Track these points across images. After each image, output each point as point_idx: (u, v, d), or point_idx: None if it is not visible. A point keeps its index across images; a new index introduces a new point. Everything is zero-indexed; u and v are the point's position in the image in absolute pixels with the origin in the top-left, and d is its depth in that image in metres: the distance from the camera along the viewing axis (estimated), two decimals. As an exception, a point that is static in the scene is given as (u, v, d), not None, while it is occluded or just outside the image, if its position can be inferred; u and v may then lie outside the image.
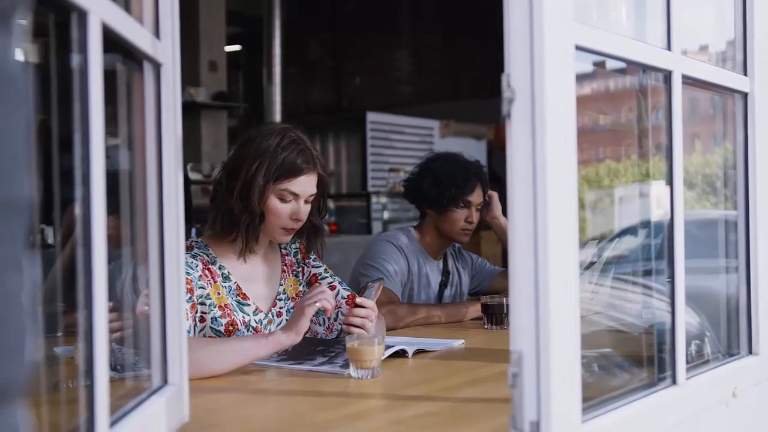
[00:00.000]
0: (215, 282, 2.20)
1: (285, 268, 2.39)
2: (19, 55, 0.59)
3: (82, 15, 1.00)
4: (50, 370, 1.46)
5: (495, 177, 3.31)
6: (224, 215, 2.21)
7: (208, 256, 2.22)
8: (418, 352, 2.18)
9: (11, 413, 0.57)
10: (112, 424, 1.09)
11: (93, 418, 1.01)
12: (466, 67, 9.54)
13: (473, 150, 7.16)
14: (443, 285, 3.14)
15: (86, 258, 1.01)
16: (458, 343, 2.35)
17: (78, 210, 1.02)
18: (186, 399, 1.43)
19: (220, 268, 2.23)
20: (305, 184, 2.21)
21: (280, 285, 2.36)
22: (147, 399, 1.29)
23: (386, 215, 7.69)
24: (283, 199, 2.20)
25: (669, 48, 1.52)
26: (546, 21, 1.16)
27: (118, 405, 1.19)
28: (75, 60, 1.03)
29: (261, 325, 2.26)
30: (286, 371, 1.99)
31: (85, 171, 1.01)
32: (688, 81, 1.58)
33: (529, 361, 1.17)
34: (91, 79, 1.01)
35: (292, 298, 2.36)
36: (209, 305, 2.16)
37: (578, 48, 1.25)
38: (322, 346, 2.14)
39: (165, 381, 1.37)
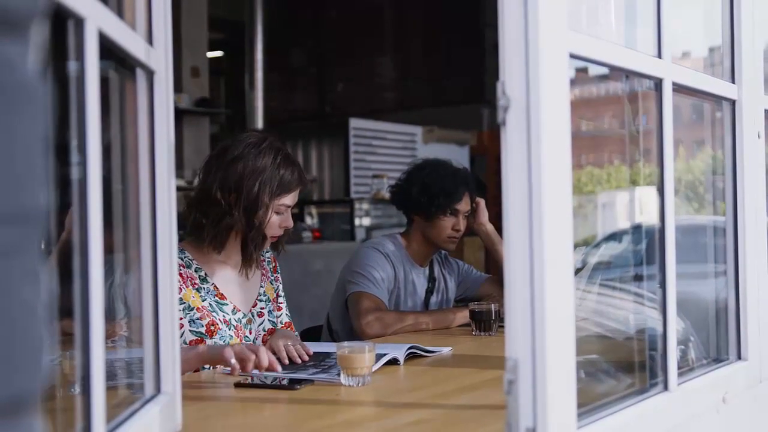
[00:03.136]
0: (188, 287, 2.24)
1: (264, 271, 2.47)
2: (35, 65, 0.58)
3: (79, 22, 0.99)
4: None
5: (479, 183, 3.32)
6: (225, 231, 2.26)
7: (182, 259, 2.25)
8: (411, 356, 2.19)
9: (29, 423, 0.57)
10: (108, 433, 1.08)
11: (90, 428, 1.00)
12: (449, 73, 9.58)
13: (456, 156, 7.17)
14: (429, 292, 3.14)
15: (83, 266, 1.00)
16: (447, 350, 2.35)
17: (75, 217, 1.01)
18: (179, 408, 1.42)
19: (196, 271, 2.28)
20: (296, 196, 2.34)
21: (261, 287, 2.43)
22: (141, 408, 1.28)
23: (369, 221, 7.68)
24: (278, 213, 2.30)
25: (659, 56, 1.53)
26: (541, 29, 1.16)
27: (112, 414, 1.18)
28: (71, 67, 1.02)
29: (240, 323, 2.32)
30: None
31: (82, 177, 1.00)
32: (678, 88, 1.60)
33: (524, 368, 1.17)
34: (87, 85, 1.01)
35: (272, 300, 2.45)
36: (184, 309, 2.19)
37: (572, 56, 1.25)
38: (313, 360, 2.13)
39: (158, 390, 1.37)
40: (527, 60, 1.16)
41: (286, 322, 2.46)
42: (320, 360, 2.14)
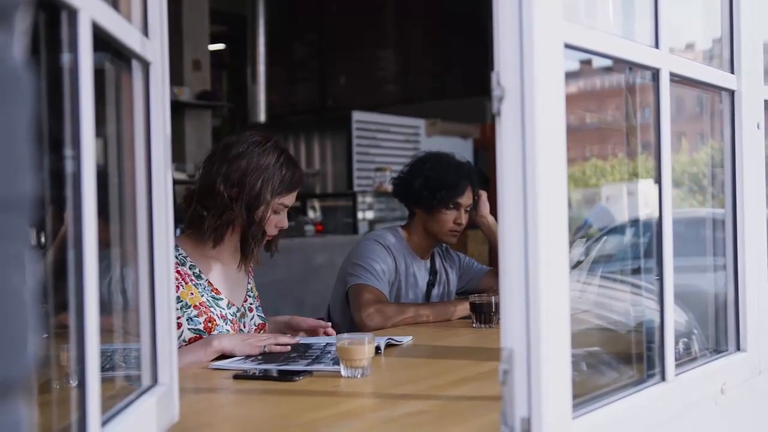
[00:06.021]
0: (187, 283, 2.26)
1: (250, 270, 2.51)
2: (20, 54, 0.59)
3: (72, 13, 0.99)
4: (37, 371, 1.45)
5: (481, 176, 3.30)
6: (225, 225, 2.29)
7: (177, 257, 2.26)
8: (389, 346, 2.25)
9: (14, 409, 0.57)
10: (103, 423, 1.09)
11: (85, 418, 1.00)
12: (451, 66, 9.57)
13: (460, 149, 7.16)
14: (431, 284, 3.14)
15: (77, 258, 1.00)
16: (408, 339, 2.38)
17: (68, 210, 1.01)
18: (176, 399, 1.42)
19: (190, 268, 2.30)
20: (294, 197, 2.38)
21: (249, 283, 2.48)
22: (137, 399, 1.29)
23: (372, 215, 7.68)
24: (276, 212, 2.33)
25: (657, 46, 1.53)
26: (535, 19, 1.16)
27: (108, 405, 1.18)
28: (64, 58, 1.02)
29: (235, 317, 2.35)
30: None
31: (76, 171, 1.00)
32: (676, 79, 1.59)
33: (519, 358, 1.17)
34: (81, 77, 1.01)
35: (257, 297, 2.50)
36: (181, 307, 2.20)
37: (567, 46, 1.25)
38: (295, 353, 2.13)
39: (155, 381, 1.37)
40: (521, 50, 1.16)
41: (259, 324, 2.47)
42: (304, 351, 2.14)
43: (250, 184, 2.26)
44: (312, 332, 2.43)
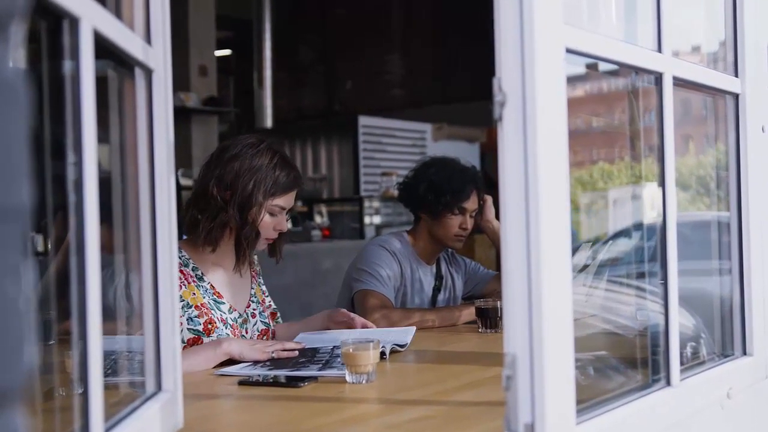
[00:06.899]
0: (189, 283, 2.28)
1: (254, 274, 2.51)
2: (16, 63, 0.59)
3: (74, 22, 1.00)
4: (42, 378, 1.45)
5: (488, 180, 3.29)
6: (219, 227, 2.28)
7: (180, 258, 2.27)
8: (394, 352, 2.24)
9: (11, 418, 0.57)
10: (107, 430, 1.09)
11: (88, 425, 1.00)
12: (457, 70, 9.56)
13: (466, 153, 7.16)
14: (437, 289, 3.14)
15: (80, 265, 1.01)
16: (411, 332, 2.42)
17: (71, 217, 1.01)
18: (180, 405, 1.42)
19: (193, 270, 2.31)
20: (292, 199, 2.36)
21: (251, 288, 2.47)
22: (141, 405, 1.29)
23: (379, 220, 7.68)
24: (272, 214, 2.32)
25: (660, 50, 1.53)
26: (536, 24, 1.16)
27: (112, 412, 1.18)
28: (66, 66, 1.02)
29: (237, 323, 2.35)
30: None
31: (78, 178, 1.01)
32: (679, 82, 1.59)
33: (522, 364, 1.17)
34: (83, 85, 1.01)
35: (261, 302, 2.49)
36: (183, 307, 2.22)
37: (569, 51, 1.25)
38: (303, 359, 2.13)
39: (159, 387, 1.37)
40: (522, 56, 1.16)
41: (272, 313, 2.51)
42: (312, 356, 2.14)
43: (242, 185, 2.26)
44: (348, 325, 2.46)
